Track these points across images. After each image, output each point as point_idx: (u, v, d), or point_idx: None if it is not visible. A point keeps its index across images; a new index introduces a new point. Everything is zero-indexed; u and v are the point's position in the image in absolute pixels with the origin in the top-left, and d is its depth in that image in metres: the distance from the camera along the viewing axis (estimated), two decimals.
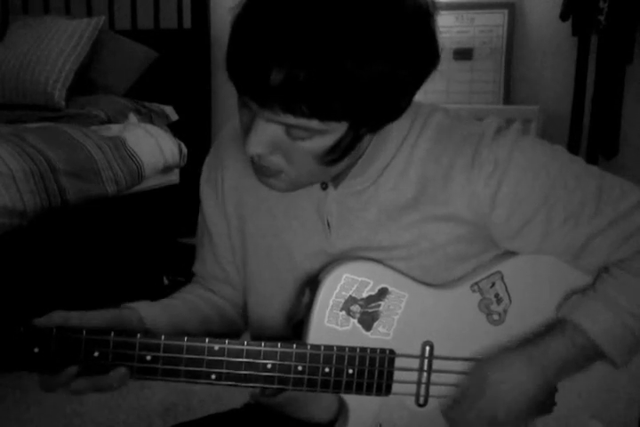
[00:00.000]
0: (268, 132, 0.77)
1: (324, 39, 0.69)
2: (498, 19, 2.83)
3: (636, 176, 0.93)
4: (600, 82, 2.67)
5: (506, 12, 2.82)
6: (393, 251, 0.88)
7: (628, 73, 2.67)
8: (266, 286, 0.98)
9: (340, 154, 0.80)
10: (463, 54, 2.86)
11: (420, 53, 0.76)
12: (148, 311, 0.93)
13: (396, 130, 0.88)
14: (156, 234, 2.90)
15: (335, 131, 0.77)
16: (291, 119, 0.74)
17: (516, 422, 0.87)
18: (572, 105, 2.74)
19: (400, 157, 0.88)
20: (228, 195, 0.99)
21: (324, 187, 0.91)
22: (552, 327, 0.88)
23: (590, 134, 2.73)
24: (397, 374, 0.87)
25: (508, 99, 2.85)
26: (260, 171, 0.84)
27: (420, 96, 0.88)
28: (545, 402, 0.89)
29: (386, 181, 0.89)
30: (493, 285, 0.89)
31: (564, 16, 2.67)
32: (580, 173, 0.87)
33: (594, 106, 2.70)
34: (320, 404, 0.94)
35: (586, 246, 0.87)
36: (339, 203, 0.91)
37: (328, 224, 0.91)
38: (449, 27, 2.83)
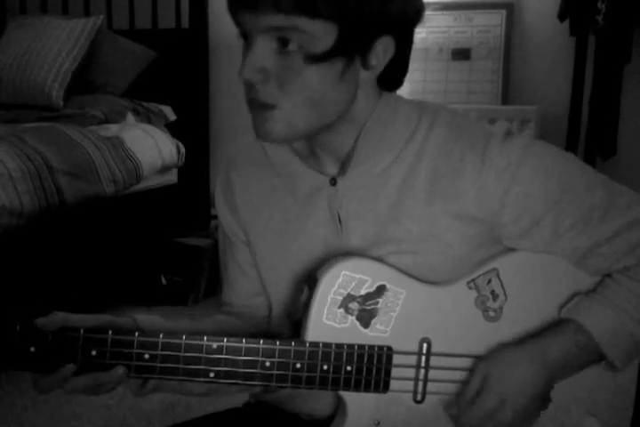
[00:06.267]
0: (261, 53, 0.80)
1: None
2: (496, 19, 2.83)
3: (633, 177, 0.93)
4: (598, 82, 2.67)
5: (504, 12, 2.82)
6: (402, 244, 0.89)
7: (625, 73, 2.67)
8: (279, 286, 0.98)
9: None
10: (461, 54, 2.85)
11: None
12: (145, 317, 0.93)
13: (401, 119, 0.89)
14: (153, 234, 2.90)
15: (324, 38, 0.79)
16: (282, 20, 0.78)
17: (519, 421, 0.86)
18: (569, 105, 2.75)
19: (410, 149, 0.89)
20: (241, 206, 1.01)
21: (333, 183, 0.92)
22: (554, 326, 0.88)
23: (588, 134, 2.72)
24: (395, 371, 0.87)
25: (505, 99, 2.85)
26: (256, 111, 0.85)
27: (418, 97, 0.88)
28: (543, 399, 0.89)
29: (396, 173, 0.89)
30: (489, 281, 0.89)
31: (561, 16, 2.68)
32: (590, 180, 0.88)
33: (592, 106, 2.70)
34: (319, 399, 0.94)
35: (592, 252, 0.88)
36: (349, 195, 0.91)
37: (339, 219, 0.92)
38: (447, 27, 2.82)
